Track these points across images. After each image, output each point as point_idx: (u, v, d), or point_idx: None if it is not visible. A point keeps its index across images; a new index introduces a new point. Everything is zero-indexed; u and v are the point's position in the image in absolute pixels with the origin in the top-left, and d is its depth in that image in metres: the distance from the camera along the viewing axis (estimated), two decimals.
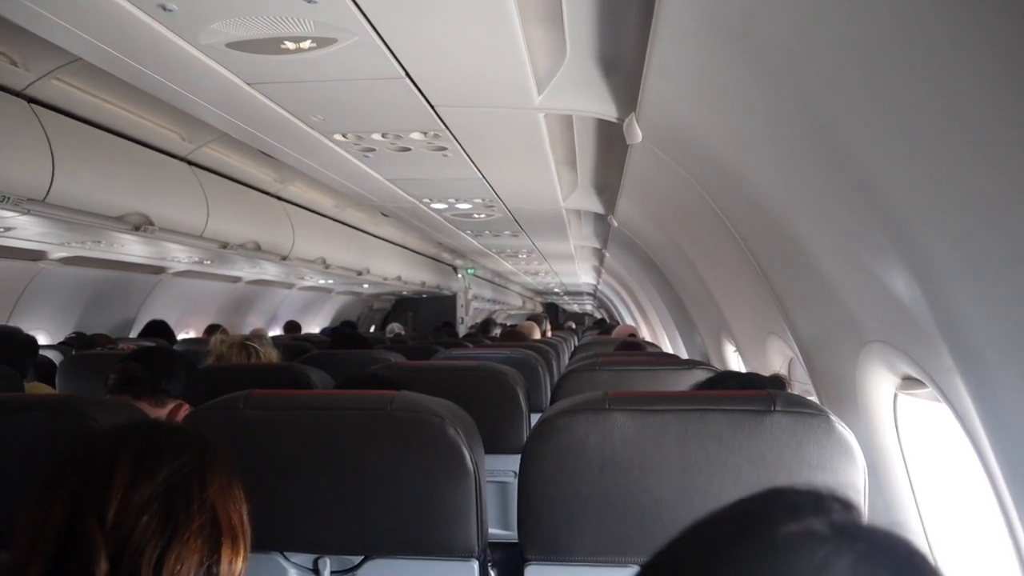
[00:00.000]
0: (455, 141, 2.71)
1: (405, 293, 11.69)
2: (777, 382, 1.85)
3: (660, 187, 2.86)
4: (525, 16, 1.70)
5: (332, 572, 1.33)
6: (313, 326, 9.83)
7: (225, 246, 4.88)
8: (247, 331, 7.55)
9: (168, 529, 0.81)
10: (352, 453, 1.29)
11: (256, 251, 5.27)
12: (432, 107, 2.29)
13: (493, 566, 1.40)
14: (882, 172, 1.18)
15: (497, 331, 7.40)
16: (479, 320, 10.52)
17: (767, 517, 0.42)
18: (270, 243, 5.39)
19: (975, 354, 1.11)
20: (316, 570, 1.33)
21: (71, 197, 3.36)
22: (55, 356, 3.93)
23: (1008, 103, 0.82)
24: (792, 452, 1.20)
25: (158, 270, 6.00)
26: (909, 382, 1.55)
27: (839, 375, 1.80)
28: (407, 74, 2.00)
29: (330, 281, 8.47)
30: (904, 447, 1.64)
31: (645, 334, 8.09)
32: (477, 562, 1.29)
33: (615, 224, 4.33)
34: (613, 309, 14.35)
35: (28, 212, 3.25)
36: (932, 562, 0.41)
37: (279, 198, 5.63)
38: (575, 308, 22.97)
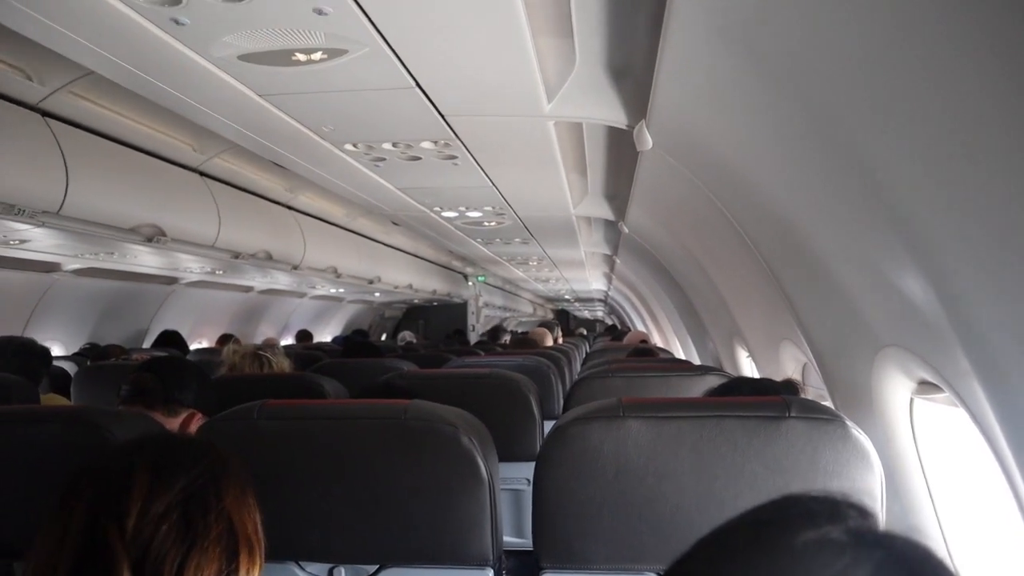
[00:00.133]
0: (465, 150, 2.72)
1: (416, 301, 11.71)
2: (790, 387, 1.84)
3: (671, 193, 2.85)
4: (534, 25, 1.71)
5: None
6: (325, 335, 9.86)
7: (237, 256, 4.90)
8: (259, 341, 7.58)
9: (187, 539, 0.82)
10: (366, 462, 1.29)
11: (267, 261, 5.30)
12: (442, 116, 2.30)
13: (507, 574, 1.39)
14: (895, 175, 1.17)
15: (506, 338, 7.39)
16: (489, 327, 10.52)
17: (785, 525, 0.42)
18: (281, 253, 5.41)
19: (993, 357, 1.10)
20: None
21: (85, 209, 3.39)
22: (70, 367, 3.95)
23: (1019, 104, 0.81)
24: (808, 458, 1.19)
25: (171, 281, 6.04)
26: (925, 386, 1.53)
27: (854, 380, 1.79)
28: (417, 84, 2.00)
29: (341, 290, 8.49)
30: (921, 452, 1.62)
31: (657, 340, 8.07)
32: (492, 570, 1.29)
33: (626, 231, 4.32)
34: (624, 315, 14.32)
35: (43, 224, 3.28)
36: (952, 569, 0.41)
37: (290, 208, 5.66)
38: (586, 314, 22.94)
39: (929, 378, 1.42)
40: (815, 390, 2.36)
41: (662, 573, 1.22)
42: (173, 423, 1.74)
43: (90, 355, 4.65)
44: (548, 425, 2.26)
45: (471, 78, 1.99)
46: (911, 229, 1.19)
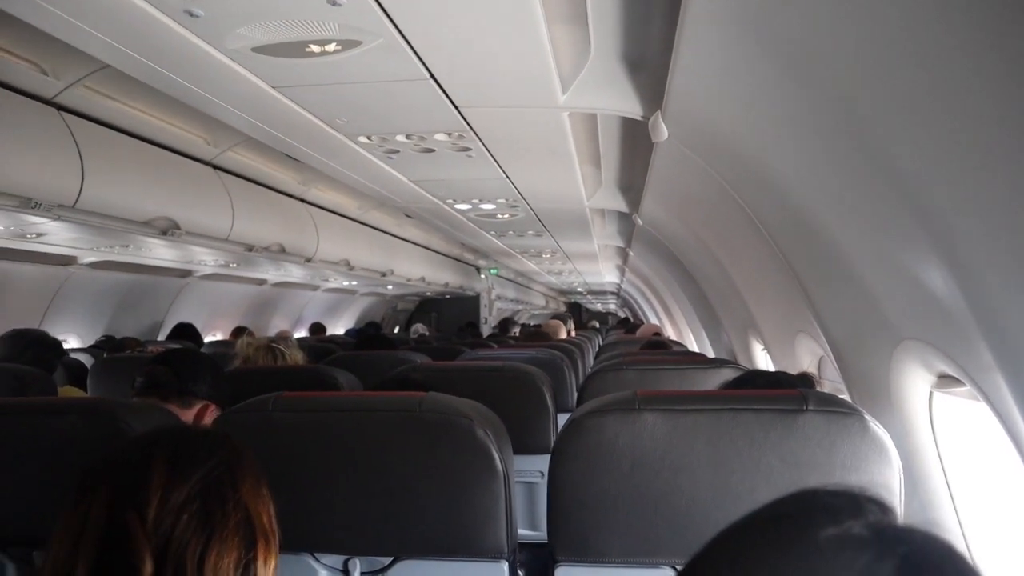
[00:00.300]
0: (479, 141, 2.71)
1: (429, 294, 11.72)
2: (806, 380, 1.83)
3: (686, 185, 2.84)
4: (549, 15, 1.70)
5: (362, 573, 1.33)
6: (338, 327, 9.89)
7: (250, 249, 4.92)
8: (272, 333, 7.62)
9: (207, 528, 0.83)
10: (381, 455, 1.29)
11: (281, 253, 5.31)
12: (456, 108, 2.29)
13: (521, 567, 1.39)
14: (918, 165, 1.15)
15: (516, 330, 7.39)
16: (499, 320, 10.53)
17: (806, 520, 0.41)
18: (295, 245, 5.43)
19: (1018, 351, 1.08)
20: (346, 571, 1.33)
21: (100, 202, 3.41)
22: (86, 359, 3.98)
23: None
24: (825, 452, 1.18)
25: (185, 273, 6.07)
26: (945, 380, 1.52)
27: (872, 373, 1.78)
28: (431, 75, 2.00)
29: (354, 283, 8.51)
30: (940, 446, 1.61)
31: (670, 333, 8.05)
32: (507, 563, 1.29)
33: (640, 223, 4.31)
34: (637, 308, 14.29)
35: (59, 218, 3.30)
36: (974, 566, 0.40)
37: (303, 200, 5.67)
38: (598, 307, 22.91)
39: (950, 372, 1.41)
40: (831, 383, 2.35)
41: (678, 567, 1.21)
42: (187, 415, 1.74)
43: (106, 347, 4.69)
44: (562, 418, 2.26)
45: (486, 69, 1.98)
46: (933, 220, 1.17)
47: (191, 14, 1.60)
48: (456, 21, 1.67)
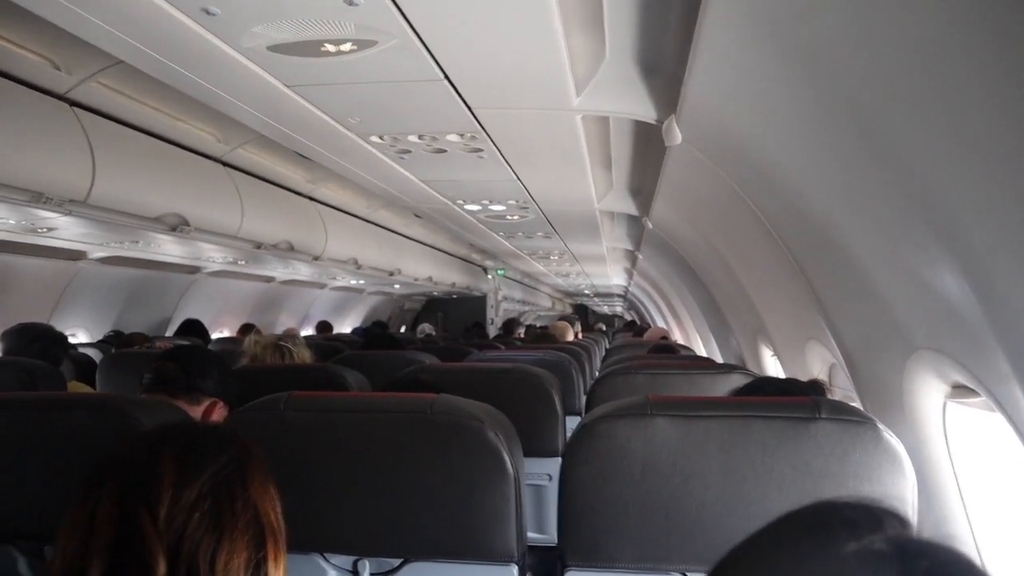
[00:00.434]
0: (491, 143, 2.71)
1: (436, 294, 11.74)
2: (817, 388, 1.82)
3: (698, 189, 2.83)
4: (565, 17, 1.69)
5: (371, 574, 1.33)
6: (344, 326, 9.90)
7: (259, 246, 4.93)
8: (279, 330, 7.63)
9: (218, 527, 0.82)
10: (392, 456, 1.28)
11: (289, 251, 5.32)
12: (470, 109, 2.29)
13: (528, 570, 1.39)
14: (936, 174, 1.14)
15: (520, 331, 7.38)
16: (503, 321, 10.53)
17: (828, 535, 0.41)
18: (303, 243, 5.44)
19: None
20: (355, 572, 1.33)
21: (110, 198, 3.43)
22: (95, 354, 4.00)
23: None
24: (838, 460, 1.17)
25: (193, 270, 6.09)
26: (960, 390, 1.50)
27: (885, 382, 1.76)
28: (446, 76, 1.99)
29: (361, 281, 8.53)
30: (954, 457, 1.59)
31: (677, 336, 8.03)
32: (516, 566, 1.28)
33: (650, 226, 4.30)
34: (644, 311, 14.27)
35: (70, 213, 3.31)
36: None
37: (312, 199, 5.68)
38: (605, 310, 22.90)
39: (965, 382, 1.39)
40: (842, 391, 2.33)
41: (688, 573, 1.21)
42: (196, 411, 1.74)
43: (115, 342, 4.71)
44: (570, 421, 2.26)
45: (500, 70, 1.98)
46: (950, 227, 1.16)
47: (208, 12, 1.60)
48: (472, 22, 1.67)
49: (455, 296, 12.26)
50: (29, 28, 2.61)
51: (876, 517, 0.41)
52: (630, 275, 9.54)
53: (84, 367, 3.52)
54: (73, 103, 3.20)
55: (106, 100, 3.32)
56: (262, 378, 2.15)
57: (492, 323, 10.86)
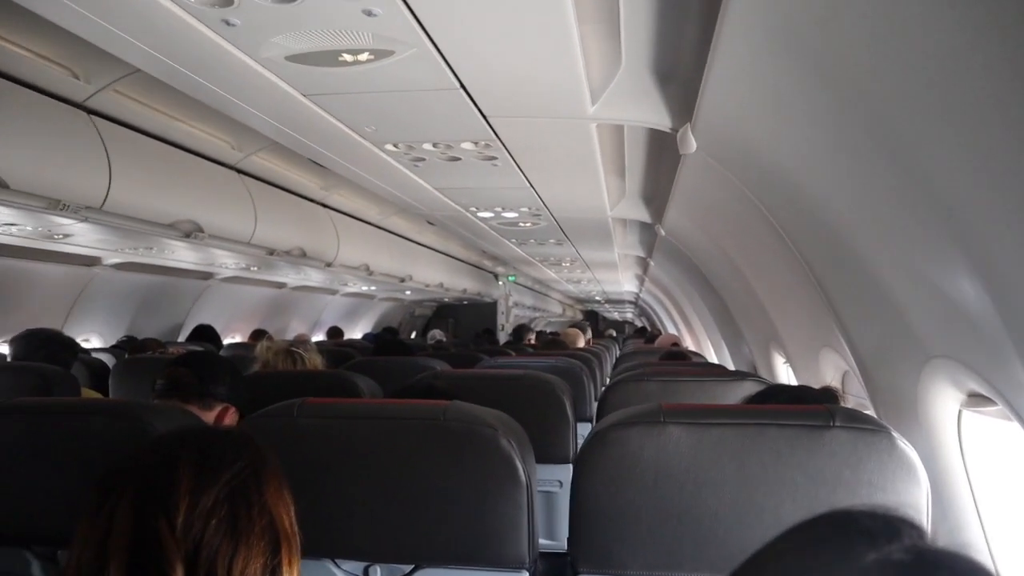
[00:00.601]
0: (506, 151, 2.72)
1: (446, 300, 11.74)
2: (830, 395, 1.81)
3: (712, 197, 2.82)
4: (581, 26, 1.70)
5: None
6: (355, 332, 9.92)
7: (271, 252, 4.95)
8: (291, 336, 7.64)
9: (235, 534, 0.82)
10: (404, 462, 1.29)
11: (301, 257, 5.34)
12: (485, 117, 2.29)
13: None
14: (955, 183, 1.14)
15: (531, 336, 7.38)
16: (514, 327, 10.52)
17: (845, 545, 0.41)
18: (315, 250, 5.46)
19: None
20: None
21: (126, 205, 3.45)
22: (108, 359, 4.02)
23: None
24: (851, 469, 1.16)
25: (206, 276, 6.11)
26: (975, 398, 1.49)
27: (899, 390, 1.75)
28: (461, 85, 2.00)
29: (373, 288, 8.54)
30: (968, 466, 1.58)
31: (688, 343, 8.01)
32: (528, 573, 1.28)
33: (662, 233, 4.29)
34: (655, 317, 14.23)
35: (86, 219, 3.34)
36: None
37: (324, 206, 5.70)
38: (615, 316, 22.85)
39: (982, 390, 1.38)
40: (855, 399, 2.32)
41: None
42: (208, 417, 1.75)
43: (127, 348, 4.73)
44: (581, 427, 2.25)
45: (516, 79, 1.98)
46: (968, 237, 1.16)
47: (228, 23, 1.61)
48: (489, 31, 1.67)
49: (466, 302, 12.26)
50: (48, 37, 2.64)
51: (893, 527, 0.41)
52: (641, 281, 9.53)
53: (97, 372, 3.54)
54: (91, 111, 3.23)
55: (123, 108, 3.35)
56: (274, 384, 2.16)
57: (503, 329, 10.86)
